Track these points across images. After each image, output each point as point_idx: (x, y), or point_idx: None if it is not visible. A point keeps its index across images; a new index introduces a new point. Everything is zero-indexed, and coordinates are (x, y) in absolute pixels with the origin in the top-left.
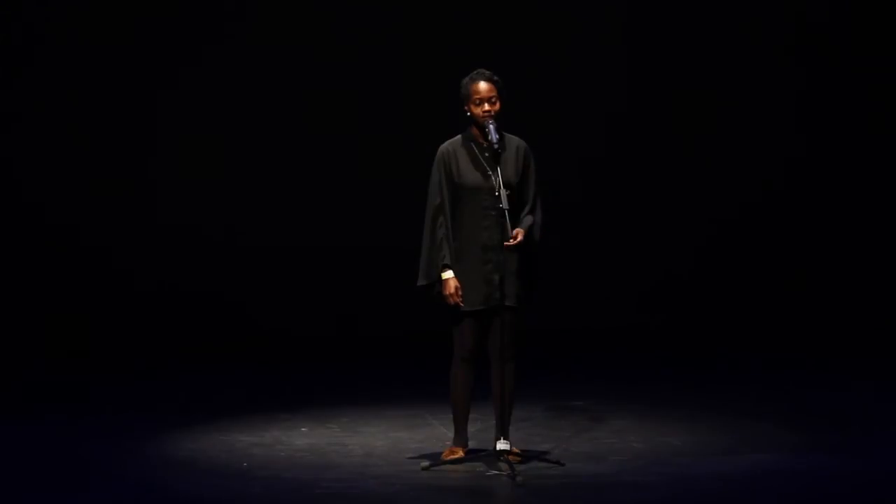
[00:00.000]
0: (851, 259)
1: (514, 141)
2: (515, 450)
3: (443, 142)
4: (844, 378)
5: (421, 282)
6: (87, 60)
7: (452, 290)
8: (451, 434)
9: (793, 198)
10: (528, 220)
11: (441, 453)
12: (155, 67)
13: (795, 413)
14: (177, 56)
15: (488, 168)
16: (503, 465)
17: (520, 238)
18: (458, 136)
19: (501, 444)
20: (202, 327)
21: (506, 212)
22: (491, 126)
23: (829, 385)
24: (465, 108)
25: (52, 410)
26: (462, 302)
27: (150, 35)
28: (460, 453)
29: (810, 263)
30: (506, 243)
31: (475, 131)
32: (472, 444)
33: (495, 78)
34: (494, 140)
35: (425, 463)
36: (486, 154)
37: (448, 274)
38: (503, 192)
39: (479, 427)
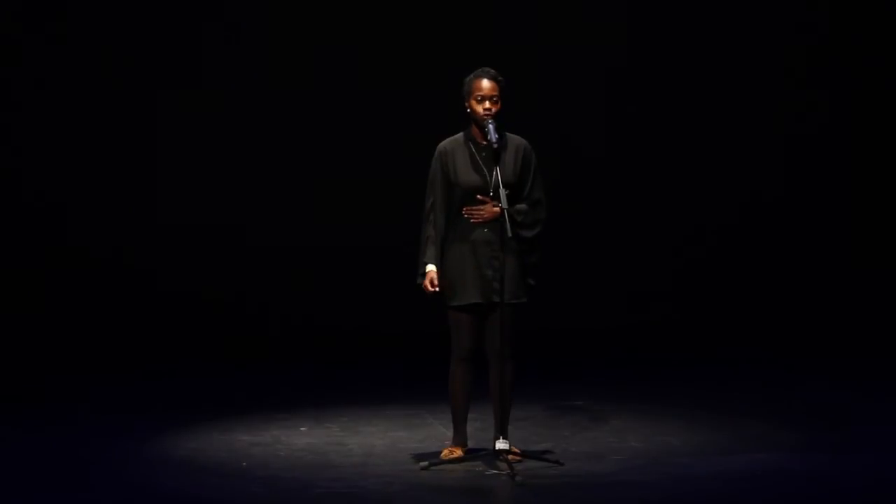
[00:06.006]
0: (851, 258)
1: (514, 140)
2: (514, 449)
3: (441, 140)
4: (844, 378)
5: (419, 280)
6: (88, 59)
7: (426, 281)
8: (450, 433)
9: (795, 196)
10: (520, 206)
11: (440, 453)
12: (155, 67)
13: (795, 413)
14: (177, 56)
15: (486, 168)
16: (502, 465)
17: (486, 207)
18: (458, 135)
19: (500, 444)
20: (202, 327)
21: (504, 211)
22: (490, 126)
23: (828, 385)
24: (466, 103)
25: (53, 410)
26: (437, 288)
27: (158, 32)
28: (459, 453)
29: (810, 262)
30: (477, 208)
31: (475, 130)
32: (471, 444)
33: (499, 78)
34: (494, 140)
35: (424, 462)
36: (484, 154)
37: (430, 267)
38: (502, 192)
39: (479, 426)
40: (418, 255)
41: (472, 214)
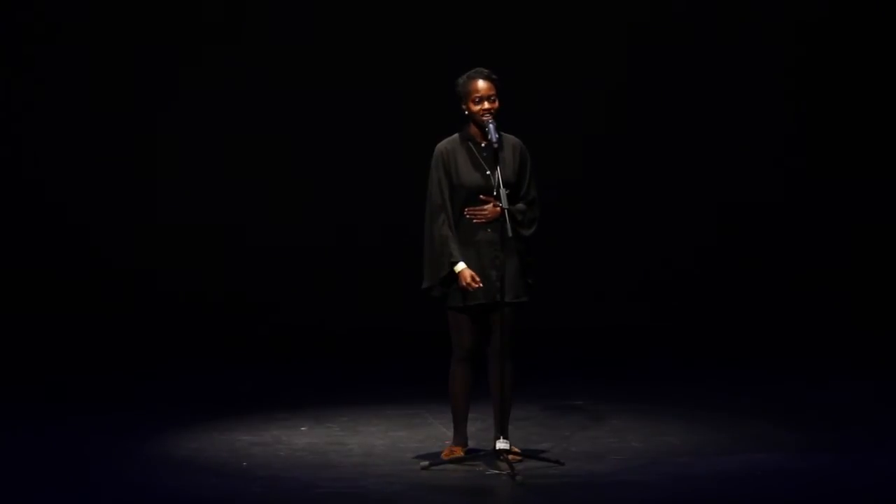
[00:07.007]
0: (851, 258)
1: (509, 139)
2: (515, 449)
3: (440, 140)
4: (843, 378)
5: (426, 284)
6: (88, 59)
7: (469, 280)
8: (450, 433)
9: (794, 196)
10: (519, 206)
11: (440, 453)
12: (155, 66)
13: (795, 413)
14: (177, 55)
15: (487, 167)
16: (502, 465)
17: (488, 207)
18: (455, 135)
19: (501, 444)
20: (202, 327)
21: (505, 211)
22: (491, 125)
23: (828, 385)
24: (463, 106)
25: (53, 410)
26: (480, 284)
27: (159, 31)
28: (459, 452)
29: (810, 262)
30: (480, 209)
31: (473, 130)
32: (471, 444)
33: (494, 76)
34: (494, 139)
35: (425, 462)
36: (485, 153)
37: (460, 266)
38: (503, 192)
39: (479, 426)
40: (433, 256)
41: (474, 215)
